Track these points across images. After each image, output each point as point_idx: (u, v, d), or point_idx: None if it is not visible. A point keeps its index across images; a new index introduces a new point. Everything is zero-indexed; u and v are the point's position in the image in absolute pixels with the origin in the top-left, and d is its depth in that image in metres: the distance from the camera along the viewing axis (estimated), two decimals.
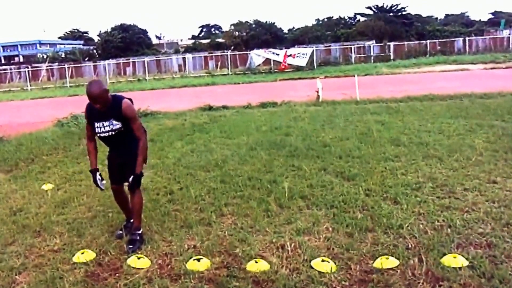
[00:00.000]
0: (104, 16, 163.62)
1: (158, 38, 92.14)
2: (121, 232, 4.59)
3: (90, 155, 4.53)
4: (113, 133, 4.31)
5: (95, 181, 4.45)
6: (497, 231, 4.18)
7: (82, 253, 4.21)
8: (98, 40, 65.87)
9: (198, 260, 3.92)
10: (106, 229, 4.83)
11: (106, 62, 42.04)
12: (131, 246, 4.26)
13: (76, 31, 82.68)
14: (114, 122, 4.27)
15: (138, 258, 4.03)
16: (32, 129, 12.09)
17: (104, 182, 4.52)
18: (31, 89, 36.24)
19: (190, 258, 3.99)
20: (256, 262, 3.82)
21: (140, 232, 4.44)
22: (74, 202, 5.80)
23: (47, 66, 44.38)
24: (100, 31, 67.26)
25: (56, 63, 48.18)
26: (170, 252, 4.20)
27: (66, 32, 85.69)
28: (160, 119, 12.99)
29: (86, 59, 54.06)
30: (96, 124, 4.30)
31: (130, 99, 4.44)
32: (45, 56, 60.79)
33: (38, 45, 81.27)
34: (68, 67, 39.92)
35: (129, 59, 44.46)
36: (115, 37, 62.08)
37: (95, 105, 4.15)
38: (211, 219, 4.91)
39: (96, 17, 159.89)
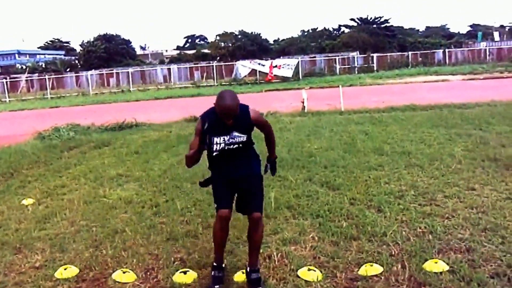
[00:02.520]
0: (86, 26, 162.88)
1: (143, 48, 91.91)
2: (217, 287, 3.75)
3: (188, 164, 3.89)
4: (235, 146, 3.72)
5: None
6: (476, 236, 4.32)
7: (65, 269, 4.14)
8: (80, 50, 64.97)
9: (185, 272, 3.94)
10: (90, 244, 4.79)
11: (89, 72, 41.55)
12: None
13: (57, 40, 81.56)
14: (237, 135, 3.68)
15: (124, 272, 4.02)
16: (11, 142, 11.92)
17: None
18: (9, 100, 35.65)
19: (177, 271, 4.01)
20: (243, 273, 3.86)
21: (259, 267, 3.83)
22: (56, 217, 5.70)
23: (26, 77, 43.53)
24: (82, 41, 66.53)
25: (36, 74, 47.20)
26: (156, 265, 4.21)
27: (46, 42, 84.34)
28: (145, 131, 12.99)
29: (68, 70, 53.12)
30: (216, 140, 3.67)
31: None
32: (24, 67, 59.70)
33: (16, 55, 79.00)
34: (49, 78, 39.31)
35: (112, 70, 44.20)
36: (98, 47, 61.37)
37: (227, 119, 3.54)
38: (197, 231, 4.93)
39: (77, 27, 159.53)
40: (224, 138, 3.67)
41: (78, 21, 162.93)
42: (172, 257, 4.33)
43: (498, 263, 3.79)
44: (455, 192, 5.63)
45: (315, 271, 3.81)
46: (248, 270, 3.77)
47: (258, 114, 3.80)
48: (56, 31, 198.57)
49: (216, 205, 3.76)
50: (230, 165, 3.80)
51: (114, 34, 65.66)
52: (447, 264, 3.79)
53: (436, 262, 3.80)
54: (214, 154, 3.74)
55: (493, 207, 5.03)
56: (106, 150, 10.25)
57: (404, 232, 4.51)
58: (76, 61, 64.47)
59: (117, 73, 42.23)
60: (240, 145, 3.73)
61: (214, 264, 3.84)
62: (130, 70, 41.97)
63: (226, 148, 3.71)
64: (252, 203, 3.74)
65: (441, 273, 3.66)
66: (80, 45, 65.87)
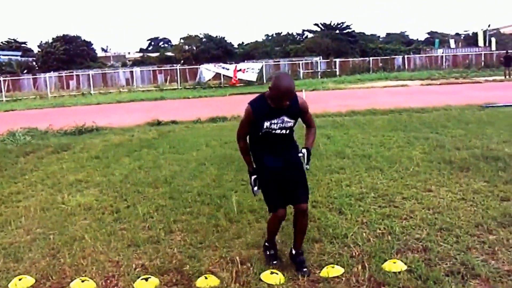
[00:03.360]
0: (44, 26, 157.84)
1: (104, 50, 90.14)
2: (275, 262, 4.10)
3: (245, 155, 4.02)
4: (282, 131, 3.84)
5: (252, 183, 3.97)
6: (432, 236, 4.47)
7: (20, 279, 3.99)
8: (38, 51, 62.92)
9: (146, 279, 3.89)
10: (47, 253, 4.63)
11: (47, 75, 40.03)
12: (305, 269, 3.91)
13: (13, 41, 78.48)
14: (286, 119, 3.81)
15: (82, 281, 3.91)
16: None
17: (258, 190, 3.97)
18: None
19: (138, 277, 3.95)
20: (206, 278, 3.85)
21: (303, 252, 4.13)
22: (10, 225, 5.47)
23: None
24: (40, 42, 64.61)
25: None
26: (116, 272, 4.13)
27: (1, 42, 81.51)
28: (106, 135, 12.73)
29: (25, 72, 51.33)
30: (266, 124, 3.78)
31: None
32: None
33: None
34: (4, 80, 37.23)
35: (72, 72, 42.82)
36: (57, 49, 59.62)
37: (284, 102, 3.67)
38: (159, 236, 4.88)
39: (35, 27, 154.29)
40: (272, 121, 3.79)
41: (36, 21, 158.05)
42: (133, 264, 4.26)
43: (453, 261, 3.92)
44: (413, 193, 5.79)
45: (277, 274, 3.84)
46: (294, 253, 4.06)
47: (304, 100, 3.94)
48: (12, 31, 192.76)
49: (270, 207, 3.96)
50: (273, 153, 3.92)
51: (75, 35, 64.20)
52: (405, 263, 3.90)
53: (394, 262, 3.91)
54: (262, 134, 3.84)
55: (448, 208, 5.21)
56: (65, 155, 9.98)
57: (364, 234, 4.61)
58: (34, 63, 62.36)
59: (78, 76, 41.11)
60: (287, 131, 3.87)
61: (267, 244, 4.20)
62: (91, 72, 40.98)
63: (274, 131, 3.83)
64: (299, 194, 3.92)
65: (399, 272, 3.76)
66: (38, 46, 63.74)
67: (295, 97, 3.82)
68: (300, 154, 3.91)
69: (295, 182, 3.92)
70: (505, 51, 34.50)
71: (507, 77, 29.57)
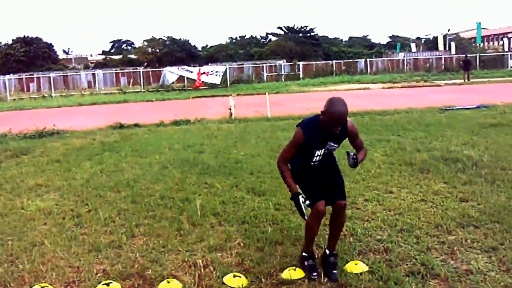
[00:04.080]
0: (4, 28, 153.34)
1: (66, 52, 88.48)
2: (315, 274, 3.85)
3: (288, 178, 3.85)
4: (326, 156, 3.86)
5: (299, 206, 3.73)
6: (393, 237, 4.55)
7: None
8: None
9: (108, 284, 3.82)
10: (5, 259, 4.50)
11: (7, 77, 38.82)
12: (335, 271, 3.84)
13: None
14: (332, 144, 3.78)
15: (42, 287, 3.83)
16: None
17: (307, 203, 3.77)
18: None
19: (99, 283, 3.88)
20: (168, 282, 3.82)
21: (336, 254, 4.06)
22: None
23: None
24: (0, 43, 63.00)
25: None
26: (77, 278, 4.05)
27: None
28: (67, 139, 12.47)
29: None
30: (317, 153, 3.77)
31: None
32: None
33: None
34: None
35: (33, 74, 41.89)
36: (17, 50, 58.25)
37: (337, 127, 3.59)
38: (121, 241, 4.81)
39: None
40: (321, 150, 3.79)
41: None
42: (94, 269, 4.18)
43: (413, 262, 3.99)
44: (375, 195, 5.88)
45: (240, 277, 3.83)
46: (327, 253, 3.99)
47: (355, 126, 3.90)
48: None
49: (311, 202, 3.77)
50: (317, 171, 3.92)
51: (35, 37, 62.73)
52: (367, 265, 3.95)
53: (356, 264, 3.95)
54: (311, 163, 3.84)
55: (409, 209, 5.30)
56: (25, 159, 9.73)
57: (327, 236, 4.64)
58: None
59: (38, 78, 40.15)
60: (332, 153, 3.93)
61: (305, 254, 3.99)
62: (52, 74, 40.07)
63: (319, 158, 3.83)
64: (336, 192, 3.89)
65: (361, 274, 3.81)
66: None
67: (345, 123, 3.71)
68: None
69: (332, 181, 3.92)
70: (464, 55, 35.59)
71: (466, 80, 30.48)
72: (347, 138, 3.92)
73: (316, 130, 3.73)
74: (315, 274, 3.84)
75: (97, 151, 10.22)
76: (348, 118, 3.75)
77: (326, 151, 3.84)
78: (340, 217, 3.97)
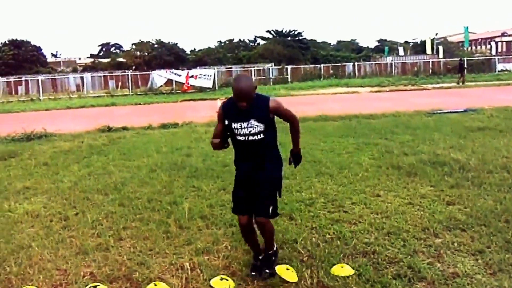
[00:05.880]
0: None
1: (54, 56, 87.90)
2: (254, 274, 3.98)
3: (213, 143, 3.97)
4: (251, 138, 3.81)
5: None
6: (380, 240, 4.58)
7: None
8: None
9: (95, 287, 3.83)
10: None
11: None
12: (267, 271, 3.93)
13: None
14: (255, 123, 3.77)
15: None
16: None
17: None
18: None
19: (86, 286, 3.89)
20: (156, 285, 3.83)
21: (274, 249, 4.11)
22: None
23: None
24: None
25: None
26: (64, 281, 4.06)
27: None
28: (55, 141, 12.39)
29: None
30: (233, 125, 3.81)
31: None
32: None
33: None
34: None
35: (21, 78, 41.53)
36: (5, 53, 57.89)
37: (241, 102, 3.66)
38: (109, 243, 4.81)
39: None
40: (241, 124, 3.78)
41: None
42: (81, 272, 4.19)
43: (400, 264, 4.03)
44: (362, 198, 5.92)
45: (227, 280, 3.85)
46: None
47: (278, 103, 3.87)
48: None
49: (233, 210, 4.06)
50: (247, 162, 3.95)
51: (24, 40, 62.28)
52: (354, 268, 3.97)
53: (342, 266, 3.98)
54: (234, 138, 3.87)
55: (396, 212, 5.35)
56: (12, 162, 9.68)
57: (313, 239, 4.68)
58: None
59: (26, 81, 39.76)
60: (259, 136, 3.81)
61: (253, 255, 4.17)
62: (40, 77, 39.65)
63: (244, 138, 3.81)
64: (257, 207, 3.89)
65: (348, 277, 3.83)
66: None
67: (265, 101, 3.80)
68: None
69: (257, 194, 3.89)
70: (459, 59, 35.75)
71: (461, 84, 30.59)
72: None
73: (233, 104, 3.80)
74: (253, 273, 3.98)
75: (85, 154, 10.18)
76: (271, 96, 3.89)
77: (251, 135, 3.81)
78: (263, 231, 3.98)
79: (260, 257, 4.09)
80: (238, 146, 3.93)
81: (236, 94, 3.67)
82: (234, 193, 4.08)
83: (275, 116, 3.90)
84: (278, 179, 4.02)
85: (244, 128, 3.79)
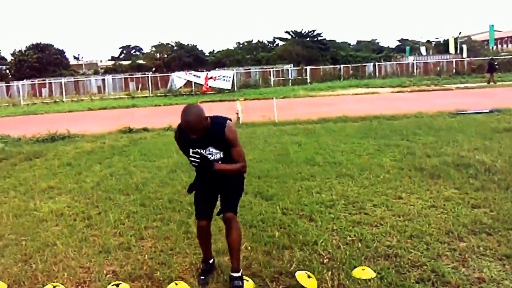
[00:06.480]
0: (18, 35, 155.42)
1: (76, 58, 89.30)
2: (203, 278, 3.95)
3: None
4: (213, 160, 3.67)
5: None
6: (402, 243, 4.50)
7: None
8: (12, 59, 62.20)
9: (117, 285, 3.87)
10: (20, 258, 4.62)
11: (20, 82, 39.71)
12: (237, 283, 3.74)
13: None
14: (214, 151, 3.64)
15: (54, 287, 3.90)
16: None
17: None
18: None
19: (109, 284, 3.93)
20: (176, 284, 3.84)
21: (241, 276, 3.80)
22: None
23: None
24: (14, 50, 63.59)
25: None
26: (87, 278, 4.12)
27: None
28: (78, 142, 12.59)
29: None
30: (192, 150, 3.66)
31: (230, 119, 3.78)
32: None
33: None
34: None
35: (45, 80, 42.29)
36: (30, 57, 59.06)
37: (191, 135, 3.49)
38: (130, 243, 4.85)
39: (9, 36, 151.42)
40: (199, 151, 3.65)
41: (9, 30, 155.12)
42: (104, 270, 4.25)
43: (423, 268, 3.95)
44: (383, 201, 5.83)
45: (248, 281, 3.84)
46: (230, 275, 3.81)
47: (232, 133, 3.68)
48: None
49: (195, 215, 3.98)
50: (208, 180, 3.81)
51: (48, 44, 63.43)
52: (375, 271, 3.91)
53: (363, 269, 3.93)
54: (193, 164, 3.69)
55: (418, 215, 5.25)
56: (37, 162, 9.87)
57: (334, 241, 4.63)
58: (7, 71, 61.66)
59: (50, 83, 40.48)
60: (219, 162, 3.68)
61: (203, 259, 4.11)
62: (63, 80, 40.37)
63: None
64: (224, 204, 3.86)
65: (369, 280, 3.77)
66: (11, 54, 62.97)
67: (222, 127, 3.63)
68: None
69: (223, 194, 3.87)
70: (490, 58, 35.04)
71: (491, 83, 29.99)
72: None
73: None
74: (202, 277, 3.95)
75: (107, 155, 10.31)
76: (229, 122, 3.70)
77: (209, 157, 3.66)
78: (230, 228, 3.80)
79: (210, 261, 4.09)
80: (197, 168, 3.78)
81: (184, 127, 3.51)
82: (196, 201, 3.96)
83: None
84: (239, 180, 3.95)
85: (203, 151, 3.66)
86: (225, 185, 3.82)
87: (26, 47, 61.43)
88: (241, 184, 3.96)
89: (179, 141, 3.77)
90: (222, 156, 3.68)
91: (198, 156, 3.65)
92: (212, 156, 3.65)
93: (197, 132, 3.48)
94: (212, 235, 4.11)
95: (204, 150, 3.64)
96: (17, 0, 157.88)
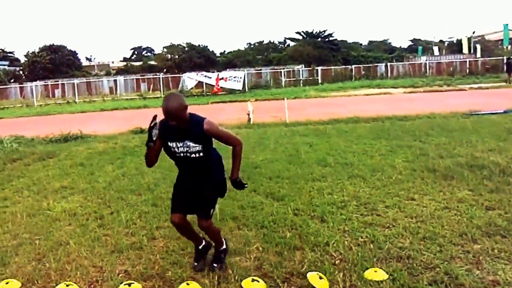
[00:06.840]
0: (31, 36, 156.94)
1: (89, 60, 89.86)
2: (196, 264, 4.22)
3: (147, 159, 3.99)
4: (189, 155, 3.87)
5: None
6: (415, 244, 4.46)
7: (7, 283, 4.05)
8: (25, 61, 62.87)
9: (129, 285, 3.89)
10: (33, 257, 4.68)
11: (34, 83, 40.04)
12: (215, 265, 4.14)
13: (1, 51, 78.42)
14: (191, 144, 3.82)
15: (67, 285, 3.93)
16: None
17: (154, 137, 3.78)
18: None
19: (121, 283, 3.95)
20: (188, 284, 3.85)
21: (223, 247, 4.26)
22: None
23: None
24: (27, 52, 64.26)
25: None
26: (100, 278, 4.15)
27: None
28: (90, 143, 12.70)
29: (12, 81, 51.41)
30: (169, 144, 3.87)
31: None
32: None
33: None
34: None
35: (58, 81, 42.78)
36: (43, 58, 59.65)
37: (170, 121, 3.71)
38: (142, 242, 4.88)
39: (22, 37, 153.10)
40: (177, 143, 3.84)
41: (23, 31, 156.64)
42: (116, 270, 4.28)
43: (436, 270, 3.92)
44: (396, 202, 5.79)
45: (258, 281, 3.84)
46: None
47: (212, 126, 3.86)
48: (0, 41, 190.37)
49: (170, 209, 4.10)
50: (187, 176, 4.04)
51: (60, 45, 64.00)
52: (388, 272, 3.88)
53: (376, 271, 3.91)
54: (172, 156, 3.93)
55: (431, 217, 5.20)
56: (51, 162, 9.98)
57: (346, 242, 4.61)
58: (21, 72, 62.25)
59: (63, 84, 40.93)
60: (197, 154, 3.86)
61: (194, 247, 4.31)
62: (76, 81, 40.72)
63: (182, 155, 3.87)
64: (198, 210, 4.02)
65: (382, 281, 3.75)
66: (24, 55, 63.69)
67: (199, 122, 3.82)
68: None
69: (196, 197, 4.00)
70: (507, 58, 34.56)
71: (509, 83, 29.63)
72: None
73: (168, 124, 3.80)
74: (195, 263, 4.21)
75: (119, 155, 10.39)
76: (207, 119, 3.89)
77: (188, 153, 3.86)
78: (207, 234, 4.17)
79: (200, 247, 4.25)
80: (177, 161, 4.01)
81: (164, 113, 3.70)
82: (173, 195, 4.15)
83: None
84: (221, 186, 4.14)
85: (180, 147, 3.85)
86: (200, 190, 3.99)
87: (39, 48, 62.06)
88: (216, 186, 4.09)
89: (160, 131, 3.84)
90: (200, 149, 3.85)
91: (245, 183, 4.08)
92: (189, 148, 3.84)
93: (177, 119, 3.70)
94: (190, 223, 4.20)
95: (182, 143, 3.84)
96: (30, 2, 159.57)
